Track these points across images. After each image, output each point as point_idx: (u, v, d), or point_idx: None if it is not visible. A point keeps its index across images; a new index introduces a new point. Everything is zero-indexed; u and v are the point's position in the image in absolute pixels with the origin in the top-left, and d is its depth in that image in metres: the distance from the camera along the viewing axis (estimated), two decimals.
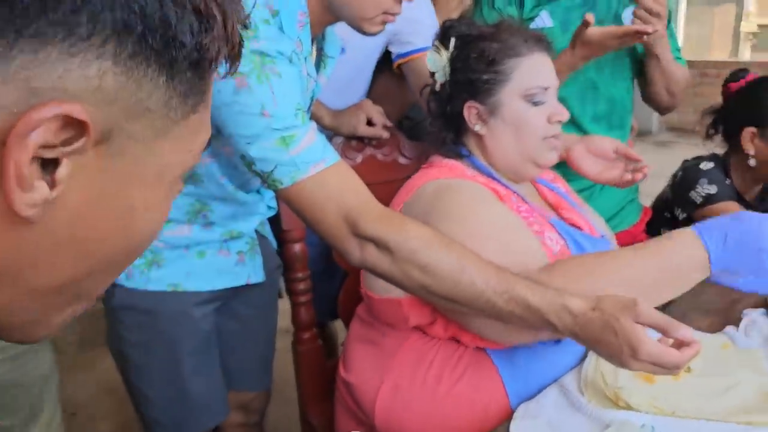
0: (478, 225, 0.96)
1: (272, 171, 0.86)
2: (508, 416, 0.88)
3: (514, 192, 1.09)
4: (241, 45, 0.43)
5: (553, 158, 1.10)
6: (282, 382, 2.14)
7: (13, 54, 0.31)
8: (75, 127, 0.33)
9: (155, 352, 1.18)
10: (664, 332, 0.75)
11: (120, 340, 1.19)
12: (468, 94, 1.07)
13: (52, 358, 1.18)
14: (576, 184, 1.44)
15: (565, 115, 1.08)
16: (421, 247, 0.84)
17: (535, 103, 1.05)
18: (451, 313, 0.96)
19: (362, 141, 1.41)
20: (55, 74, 0.32)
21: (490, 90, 1.05)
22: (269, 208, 1.30)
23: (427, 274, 0.84)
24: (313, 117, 1.44)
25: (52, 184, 0.34)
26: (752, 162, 1.59)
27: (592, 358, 0.95)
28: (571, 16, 1.50)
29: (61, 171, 0.34)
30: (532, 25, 1.49)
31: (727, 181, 1.62)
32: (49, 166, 0.33)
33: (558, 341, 0.98)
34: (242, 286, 1.24)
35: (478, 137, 1.09)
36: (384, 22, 0.99)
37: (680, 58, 1.62)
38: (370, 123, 1.40)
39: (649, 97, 1.63)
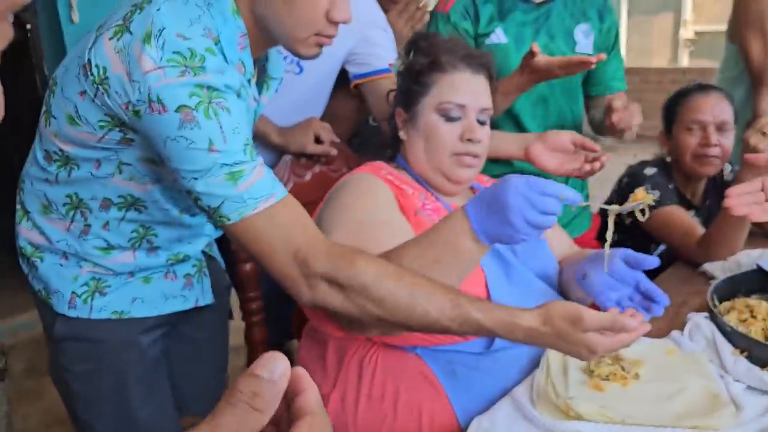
0: (357, 211, 1.03)
1: (219, 206, 0.84)
2: (456, 428, 0.88)
3: (429, 191, 1.13)
4: None
5: (467, 175, 1.13)
6: None
7: None
8: None
9: (101, 383, 1.13)
10: (612, 330, 0.79)
11: (63, 371, 1.14)
12: (399, 102, 1.16)
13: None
14: None
15: (479, 136, 1.10)
16: (373, 281, 0.84)
17: (449, 119, 1.09)
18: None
19: (311, 158, 1.40)
20: None
21: (413, 99, 1.12)
22: (216, 228, 1.28)
23: (381, 307, 0.84)
24: (260, 134, 1.43)
25: None
26: (668, 159, 1.70)
27: (542, 369, 0.95)
28: (525, 32, 1.52)
29: None
30: (488, 42, 1.52)
31: (671, 186, 1.66)
32: None
33: (489, 348, 1.00)
34: (191, 309, 1.21)
35: (402, 141, 1.16)
36: (319, 45, 0.98)
37: (622, 81, 1.68)
38: (318, 140, 1.39)
39: (590, 121, 1.71)
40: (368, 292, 0.84)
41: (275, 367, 0.33)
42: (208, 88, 0.84)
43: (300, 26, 0.93)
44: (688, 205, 1.65)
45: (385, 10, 1.64)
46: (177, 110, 0.83)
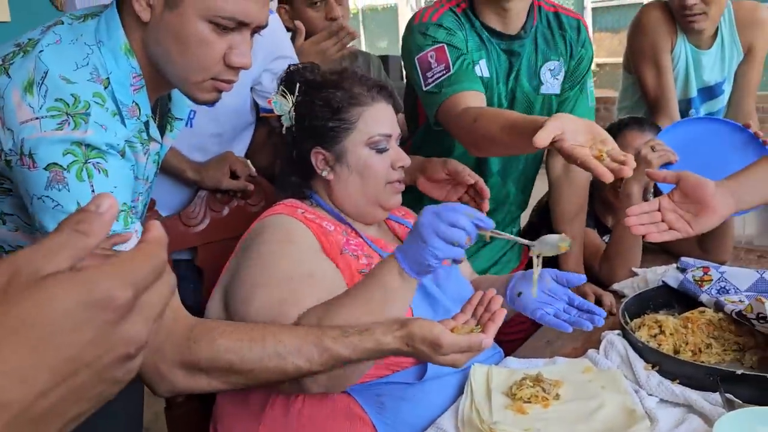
0: (275, 264, 0.99)
1: None
2: None
3: (349, 226, 1.11)
4: None
5: (398, 201, 1.14)
6: None
7: None
8: None
9: None
10: (470, 350, 0.82)
11: None
12: (314, 141, 1.09)
13: None
14: None
15: (407, 162, 1.12)
16: (236, 356, 0.82)
17: (379, 150, 1.09)
18: None
19: (228, 193, 1.37)
20: None
21: (336, 137, 1.08)
22: None
23: (251, 377, 0.84)
24: (175, 170, 1.38)
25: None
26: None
27: (467, 395, 0.95)
28: (501, 70, 1.48)
29: None
30: (476, 71, 1.42)
31: (588, 210, 1.72)
32: None
33: (422, 379, 1.00)
34: None
35: (325, 181, 1.11)
36: (217, 90, 0.92)
37: (591, 111, 1.60)
38: (234, 175, 1.36)
39: (547, 170, 1.64)
40: (235, 367, 0.83)
41: (102, 201, 0.34)
42: (87, 146, 0.78)
43: (194, 69, 0.87)
44: (604, 230, 1.72)
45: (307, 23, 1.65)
46: (47, 168, 0.77)
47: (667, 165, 1.46)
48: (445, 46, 1.37)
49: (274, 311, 0.93)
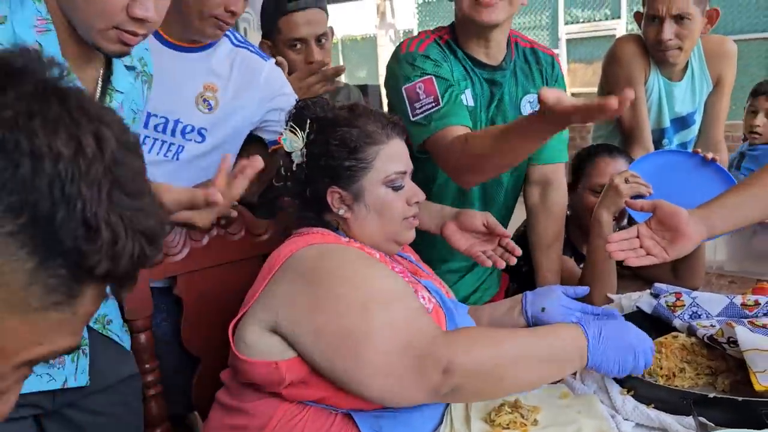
0: (372, 287, 0.96)
1: None
2: None
3: (385, 256, 1.11)
4: (134, 270, 0.45)
5: (412, 236, 1.15)
6: None
7: None
8: None
9: None
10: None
11: None
12: (330, 180, 1.07)
13: None
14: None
15: (422, 197, 1.13)
16: None
17: (395, 188, 1.09)
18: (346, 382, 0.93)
19: None
20: None
21: (353, 177, 1.07)
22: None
23: None
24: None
25: None
26: (568, 212, 1.75)
27: (446, 424, 0.96)
28: (484, 100, 1.51)
29: None
30: (462, 100, 1.46)
31: (564, 236, 1.74)
32: None
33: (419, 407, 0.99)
34: (76, 394, 1.11)
35: (342, 218, 1.10)
36: (122, 42, 0.94)
37: (561, 153, 1.64)
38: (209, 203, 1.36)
39: (525, 199, 1.71)
40: None
41: None
42: None
43: (97, 17, 0.90)
44: (580, 258, 1.73)
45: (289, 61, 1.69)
46: None
47: (639, 196, 1.50)
48: (434, 78, 1.40)
49: (413, 319, 0.94)
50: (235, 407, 1.03)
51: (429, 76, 1.40)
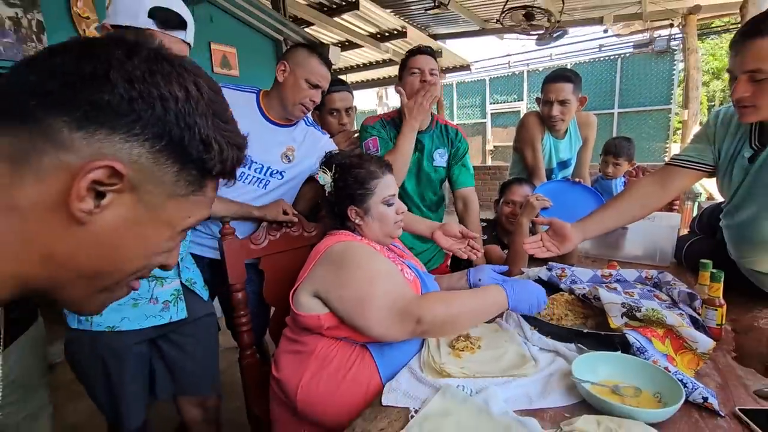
0: (372, 268, 0.95)
1: None
2: (380, 389, 0.84)
3: (383, 247, 1.10)
4: (234, 169, 0.44)
5: (400, 232, 1.13)
6: (233, 384, 1.93)
7: (98, 134, 0.36)
8: (117, 177, 0.36)
9: (98, 371, 1.06)
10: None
11: (75, 367, 1.06)
12: (350, 202, 1.07)
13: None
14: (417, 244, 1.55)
15: (405, 209, 1.13)
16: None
17: (389, 205, 1.08)
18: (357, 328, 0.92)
19: (280, 224, 1.36)
20: (115, 147, 0.36)
21: (363, 200, 1.07)
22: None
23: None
24: (245, 214, 1.37)
25: (97, 205, 0.37)
26: (494, 217, 1.78)
27: (426, 347, 0.94)
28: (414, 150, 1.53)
29: (105, 200, 0.37)
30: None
31: (494, 233, 1.75)
32: (100, 197, 0.37)
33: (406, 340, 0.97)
34: (177, 324, 1.12)
35: (357, 224, 1.09)
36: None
37: (467, 181, 1.66)
38: (284, 213, 1.36)
39: (456, 210, 1.70)
40: None
41: None
42: None
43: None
44: (503, 245, 1.74)
45: (325, 122, 1.76)
46: None
47: (544, 209, 1.50)
48: (377, 138, 1.52)
49: (398, 288, 0.92)
50: (295, 339, 1.02)
51: (374, 137, 1.52)
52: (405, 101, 1.41)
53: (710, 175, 1.26)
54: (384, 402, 0.77)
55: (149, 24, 0.91)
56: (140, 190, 0.38)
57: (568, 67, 7.36)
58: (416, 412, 0.73)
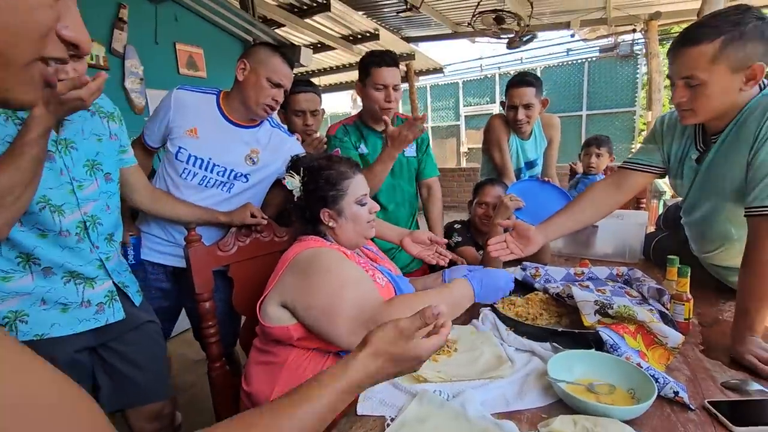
0: (341, 275, 0.93)
1: None
2: (355, 398, 0.82)
3: (353, 253, 1.08)
4: None
5: (373, 233, 1.12)
6: (203, 398, 1.86)
7: None
8: None
9: None
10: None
11: None
12: (323, 204, 1.05)
13: None
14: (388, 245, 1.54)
15: (377, 208, 1.11)
16: None
17: (362, 204, 1.07)
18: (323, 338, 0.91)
19: (249, 228, 1.32)
20: None
21: (336, 201, 1.05)
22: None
23: None
24: (212, 219, 1.33)
25: None
26: (468, 218, 1.80)
27: None
28: (377, 146, 1.57)
29: None
30: (359, 151, 1.60)
31: (468, 235, 1.75)
32: None
33: None
34: (117, 331, 1.08)
35: (330, 227, 1.07)
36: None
37: (434, 170, 1.77)
38: (252, 216, 1.32)
39: (421, 198, 1.83)
40: None
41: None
42: None
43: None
44: (477, 246, 1.74)
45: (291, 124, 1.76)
46: None
47: (517, 209, 1.52)
48: (339, 151, 1.57)
49: (366, 296, 0.90)
50: (265, 350, 0.99)
51: (336, 149, 1.59)
52: (390, 130, 1.36)
53: (661, 175, 1.33)
54: (359, 411, 0.75)
55: None
56: None
57: (538, 70, 7.56)
58: (392, 420, 0.71)
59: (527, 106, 1.94)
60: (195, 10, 2.98)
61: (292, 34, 4.83)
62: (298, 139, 1.55)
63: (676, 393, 0.73)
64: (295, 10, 4.40)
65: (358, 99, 1.94)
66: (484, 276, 0.98)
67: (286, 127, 1.67)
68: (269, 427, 0.47)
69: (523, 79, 1.95)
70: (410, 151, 1.67)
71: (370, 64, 1.53)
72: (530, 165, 2.15)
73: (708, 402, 0.73)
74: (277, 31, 3.98)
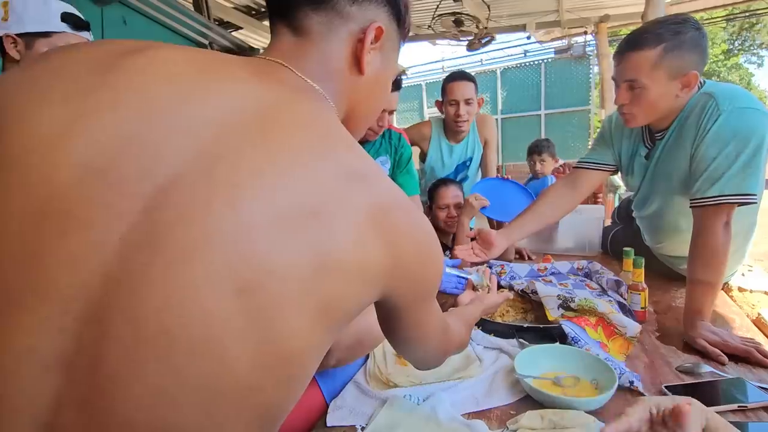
0: None
1: None
2: (324, 408, 0.79)
3: None
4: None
5: None
6: None
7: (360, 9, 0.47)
8: (378, 36, 0.47)
9: None
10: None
11: None
12: None
13: None
14: None
15: None
16: None
17: None
18: None
19: None
20: (376, 12, 0.48)
21: None
22: None
23: None
24: None
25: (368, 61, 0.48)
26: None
27: (371, 357, 0.92)
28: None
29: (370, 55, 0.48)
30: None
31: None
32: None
33: None
34: None
35: None
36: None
37: (413, 190, 1.64)
38: None
39: None
40: None
41: None
42: None
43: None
44: (446, 247, 1.75)
45: None
46: None
47: (483, 208, 1.56)
48: None
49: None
50: None
51: None
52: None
53: (613, 172, 1.40)
54: (329, 422, 0.73)
55: (63, 27, 1.01)
56: (384, 47, 0.49)
57: (498, 71, 7.77)
58: (363, 429, 0.70)
59: (468, 102, 1.85)
60: (145, 12, 2.86)
61: (251, 36, 4.73)
62: None
63: (632, 383, 0.76)
64: (253, 12, 4.31)
65: None
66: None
67: None
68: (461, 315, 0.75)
69: (462, 74, 1.87)
70: (383, 167, 1.61)
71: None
72: (464, 165, 2.05)
73: (665, 386, 0.76)
74: (234, 34, 3.89)
